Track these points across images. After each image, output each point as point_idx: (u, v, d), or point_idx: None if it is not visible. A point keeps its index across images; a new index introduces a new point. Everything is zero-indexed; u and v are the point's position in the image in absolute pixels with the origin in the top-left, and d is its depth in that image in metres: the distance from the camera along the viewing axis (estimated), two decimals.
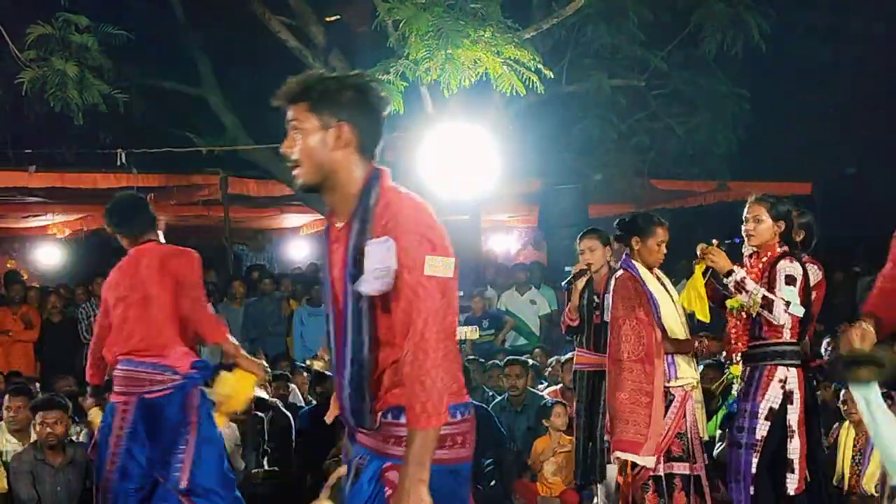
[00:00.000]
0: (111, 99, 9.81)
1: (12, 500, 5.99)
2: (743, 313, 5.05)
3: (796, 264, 5.07)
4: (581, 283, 6.13)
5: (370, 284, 2.65)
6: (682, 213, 14.13)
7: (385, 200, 2.71)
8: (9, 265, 14.36)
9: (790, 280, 5.02)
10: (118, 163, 11.00)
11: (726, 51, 11.15)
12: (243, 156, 12.05)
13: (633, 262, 5.39)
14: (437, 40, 8.50)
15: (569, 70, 11.24)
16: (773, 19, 11.09)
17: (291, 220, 15.46)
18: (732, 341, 5.16)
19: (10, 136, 11.38)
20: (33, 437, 6.18)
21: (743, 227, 5.18)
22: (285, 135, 2.76)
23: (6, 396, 6.75)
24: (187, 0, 11.63)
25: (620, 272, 5.43)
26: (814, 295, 5.30)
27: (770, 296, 4.95)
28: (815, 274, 5.44)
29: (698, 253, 5.16)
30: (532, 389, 7.66)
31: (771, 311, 4.95)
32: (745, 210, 5.19)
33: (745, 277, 4.99)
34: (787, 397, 5.04)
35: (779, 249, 5.12)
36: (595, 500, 6.19)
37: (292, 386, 8.28)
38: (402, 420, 2.69)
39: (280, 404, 7.63)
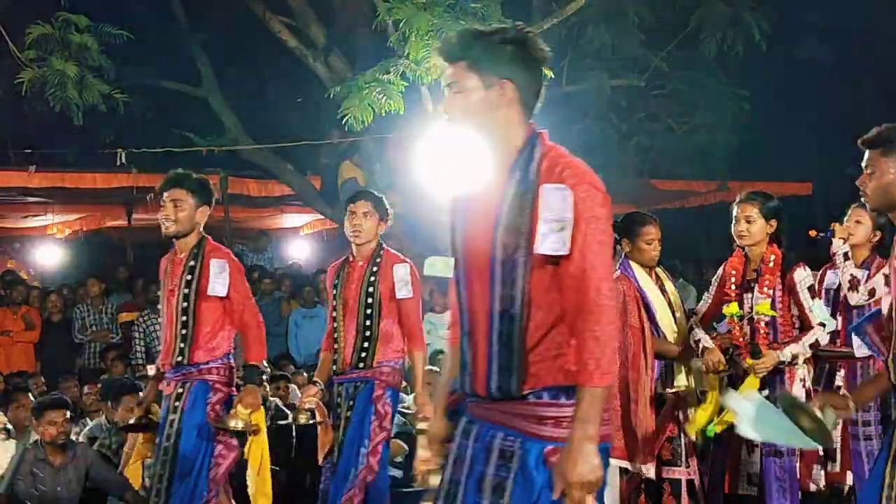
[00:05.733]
0: (111, 99, 9.81)
1: (11, 500, 5.99)
2: (766, 321, 5.00)
3: (809, 270, 5.04)
4: None
5: (547, 242, 2.52)
6: (683, 213, 14.08)
7: (553, 154, 2.62)
8: (9, 265, 14.34)
9: (812, 291, 4.99)
10: (118, 162, 10.99)
11: (726, 51, 11.14)
12: (243, 156, 12.04)
13: (630, 263, 5.29)
14: (438, 40, 8.50)
15: (569, 70, 11.22)
16: (773, 19, 11.09)
17: (291, 219, 15.45)
18: (749, 344, 5.05)
19: (11, 136, 11.40)
20: (34, 436, 6.18)
21: (733, 228, 5.07)
22: (443, 94, 2.71)
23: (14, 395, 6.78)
24: (187, 0, 11.63)
25: (617, 274, 5.38)
26: None
27: (810, 338, 4.93)
28: None
29: (709, 365, 4.99)
30: None
31: (819, 344, 4.98)
32: (735, 210, 5.08)
33: (795, 353, 4.91)
34: (808, 395, 4.98)
35: (780, 251, 5.04)
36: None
37: (292, 386, 8.29)
38: (563, 401, 2.57)
39: (280, 404, 7.64)
